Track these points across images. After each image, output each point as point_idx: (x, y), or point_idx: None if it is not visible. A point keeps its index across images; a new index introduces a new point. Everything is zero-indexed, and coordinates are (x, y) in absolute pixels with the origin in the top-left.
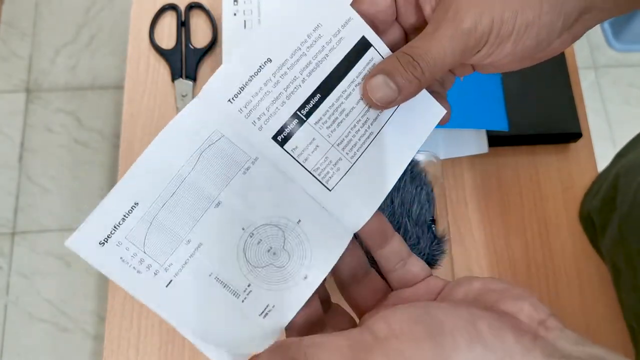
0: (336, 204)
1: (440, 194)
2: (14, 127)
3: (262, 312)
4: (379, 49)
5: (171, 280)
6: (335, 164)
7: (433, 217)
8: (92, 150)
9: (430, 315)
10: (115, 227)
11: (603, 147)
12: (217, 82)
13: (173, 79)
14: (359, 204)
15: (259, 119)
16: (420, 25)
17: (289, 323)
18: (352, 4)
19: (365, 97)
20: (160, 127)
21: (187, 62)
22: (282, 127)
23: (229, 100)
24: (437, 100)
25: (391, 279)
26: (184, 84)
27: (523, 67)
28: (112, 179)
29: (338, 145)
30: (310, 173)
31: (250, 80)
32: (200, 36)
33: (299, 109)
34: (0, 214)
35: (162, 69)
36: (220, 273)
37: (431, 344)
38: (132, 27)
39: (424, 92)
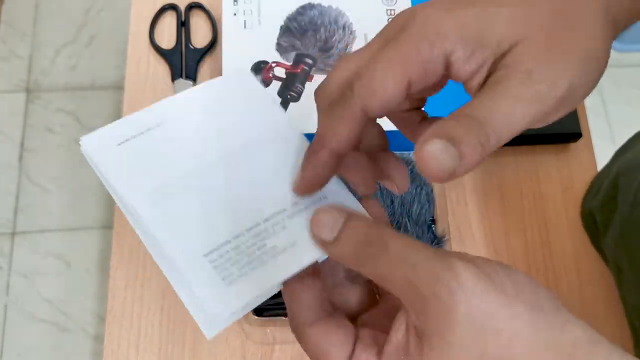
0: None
1: (440, 194)
2: (14, 127)
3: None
4: None
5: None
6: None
7: (433, 217)
8: None
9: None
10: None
11: (603, 147)
12: None
13: (173, 79)
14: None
15: None
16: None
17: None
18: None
19: (423, 169)
20: None
21: (187, 62)
22: None
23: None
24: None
25: None
26: (184, 84)
27: None
28: None
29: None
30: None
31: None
32: (200, 36)
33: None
34: (0, 214)
35: (162, 69)
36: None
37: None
38: (132, 27)
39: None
